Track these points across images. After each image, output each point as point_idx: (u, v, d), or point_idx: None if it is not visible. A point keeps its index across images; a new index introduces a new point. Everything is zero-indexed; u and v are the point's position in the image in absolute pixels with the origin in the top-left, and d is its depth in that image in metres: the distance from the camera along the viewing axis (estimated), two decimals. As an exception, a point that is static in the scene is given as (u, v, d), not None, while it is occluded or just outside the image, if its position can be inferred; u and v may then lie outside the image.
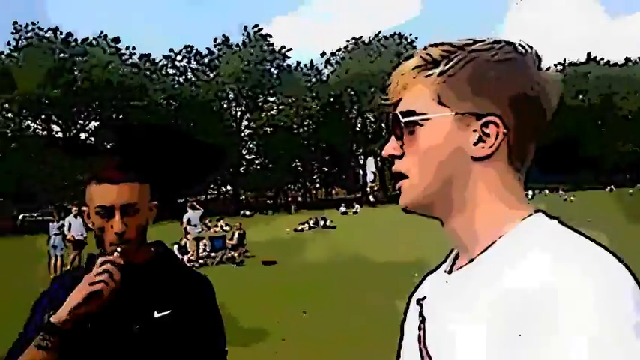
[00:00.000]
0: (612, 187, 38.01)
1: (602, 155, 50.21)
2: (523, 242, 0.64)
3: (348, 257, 12.39)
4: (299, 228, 22.53)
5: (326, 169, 53.61)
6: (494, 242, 0.66)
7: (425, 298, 0.77)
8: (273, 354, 5.37)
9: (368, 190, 56.29)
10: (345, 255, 12.92)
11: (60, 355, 1.32)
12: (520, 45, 0.71)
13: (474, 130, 0.68)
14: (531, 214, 0.68)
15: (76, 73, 40.45)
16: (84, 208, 1.44)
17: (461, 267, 0.71)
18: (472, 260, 0.68)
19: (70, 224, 12.32)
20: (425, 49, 0.73)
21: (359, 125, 54.40)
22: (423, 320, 0.74)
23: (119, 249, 1.33)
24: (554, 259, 0.59)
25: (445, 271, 0.76)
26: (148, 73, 45.27)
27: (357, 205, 36.46)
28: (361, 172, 56.43)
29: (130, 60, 45.28)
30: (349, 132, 52.43)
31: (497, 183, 0.69)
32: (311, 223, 23.11)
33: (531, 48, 0.71)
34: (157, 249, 1.51)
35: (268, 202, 52.12)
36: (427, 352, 0.70)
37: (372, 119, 53.73)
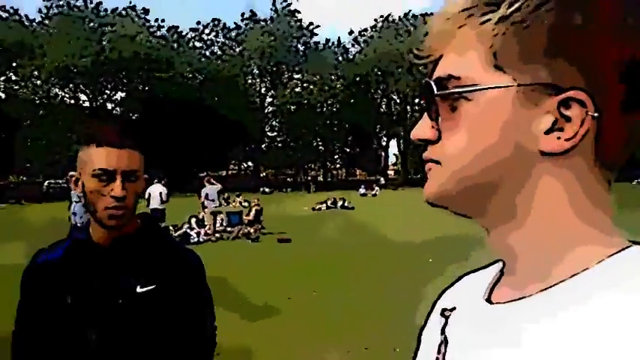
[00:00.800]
0: (639, 180, 36.89)
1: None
2: (612, 283, 0.42)
3: (364, 239, 12.35)
4: (317, 207, 22.55)
5: (347, 150, 53.37)
6: (568, 280, 0.45)
7: (454, 309, 0.58)
8: (282, 330, 5.39)
9: (389, 172, 56.05)
10: (361, 237, 12.88)
11: (44, 328, 1.33)
12: None
13: (548, 112, 0.45)
14: (629, 247, 0.46)
15: (104, 43, 40.82)
16: (72, 173, 1.40)
17: (514, 299, 0.49)
18: (531, 295, 0.47)
19: None
20: None
21: (384, 106, 53.86)
22: (445, 343, 0.56)
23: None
24: None
25: (484, 299, 0.54)
26: (175, 45, 45.44)
27: (376, 187, 36.27)
28: (383, 154, 56.09)
29: (158, 32, 45.48)
30: (373, 113, 51.97)
31: (574, 190, 0.47)
32: (329, 203, 23.09)
33: None
34: (144, 221, 1.47)
35: (288, 180, 52.32)
36: None
37: (398, 100, 53.09)
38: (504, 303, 0.50)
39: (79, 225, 12.31)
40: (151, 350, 1.29)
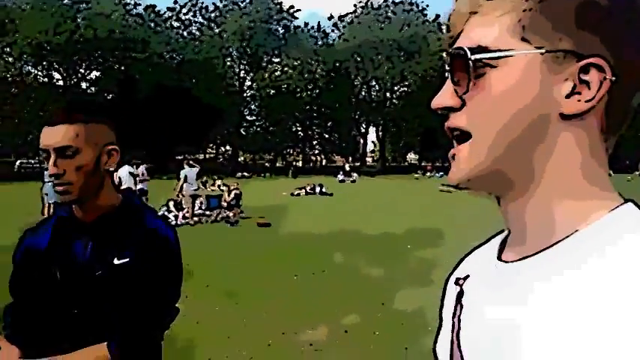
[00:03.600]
0: (611, 172, 37.88)
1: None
2: (617, 233, 0.47)
3: (342, 225, 12.43)
4: (296, 193, 22.55)
5: (327, 136, 53.33)
6: (574, 232, 0.50)
7: (467, 277, 0.61)
8: (262, 314, 5.43)
9: (367, 159, 56.29)
10: (339, 222, 12.97)
11: (36, 302, 1.41)
12: None
13: (567, 78, 0.50)
14: (623, 203, 0.51)
15: (79, 20, 39.73)
16: None
17: (523, 258, 0.53)
18: (546, 249, 0.51)
19: None
20: None
21: (363, 93, 53.84)
22: (460, 307, 0.60)
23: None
24: None
25: (497, 258, 0.58)
26: (151, 25, 44.48)
27: (354, 174, 36.43)
28: (362, 140, 56.23)
29: (135, 10, 44.43)
30: (353, 99, 51.96)
31: (584, 154, 0.51)
32: (308, 188, 23.11)
33: None
34: (125, 196, 1.51)
35: (267, 164, 52.12)
36: (459, 347, 0.58)
37: (377, 88, 53.15)
38: (514, 261, 0.54)
39: (50, 204, 12.15)
40: (120, 314, 1.36)
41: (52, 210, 12.05)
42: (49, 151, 1.35)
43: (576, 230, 0.50)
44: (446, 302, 0.66)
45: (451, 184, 0.56)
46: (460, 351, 0.57)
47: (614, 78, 0.49)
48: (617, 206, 0.50)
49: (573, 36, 0.49)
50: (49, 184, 12.31)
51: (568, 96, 0.50)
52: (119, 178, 12.32)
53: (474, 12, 0.54)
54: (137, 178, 12.94)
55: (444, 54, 0.56)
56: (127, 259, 1.37)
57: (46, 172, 10.18)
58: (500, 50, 0.51)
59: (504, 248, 0.58)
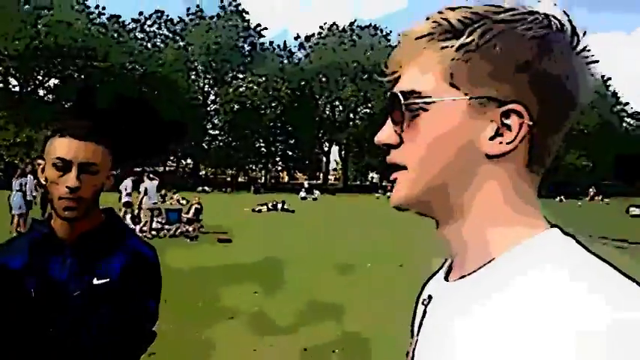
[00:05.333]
0: (562, 197, 39.42)
1: (557, 166, 52.10)
2: (537, 256, 0.53)
3: (304, 242, 12.45)
4: (257, 209, 22.43)
5: (290, 153, 53.40)
6: (504, 253, 0.55)
7: (430, 298, 0.68)
8: (222, 331, 5.37)
9: (330, 177, 56.56)
10: (301, 239, 12.98)
11: (9, 322, 1.35)
12: (556, 19, 0.57)
13: (491, 121, 0.55)
14: (547, 229, 0.57)
15: (39, 27, 38.66)
16: (39, 161, 1.41)
17: (463, 276, 0.60)
18: (477, 270, 0.57)
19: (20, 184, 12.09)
20: (440, 12, 0.59)
21: (327, 112, 54.35)
22: (420, 326, 0.66)
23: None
24: (572, 279, 0.48)
25: (444, 279, 0.66)
26: (115, 35, 43.74)
27: (316, 192, 36.54)
28: (324, 159, 56.59)
29: (98, 20, 43.62)
30: (316, 118, 52.35)
31: (509, 187, 0.57)
32: (270, 205, 23.03)
33: (570, 23, 0.58)
34: (107, 215, 1.51)
35: (228, 180, 51.62)
36: (413, 352, 0.65)
37: (341, 108, 53.77)
38: (453, 281, 0.61)
39: (15, 215, 11.70)
40: (98, 336, 1.33)
41: (17, 221, 11.61)
42: (70, 164, 1.33)
43: (492, 259, 0.56)
44: (416, 322, 0.70)
45: (392, 205, 0.63)
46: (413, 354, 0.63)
47: (531, 123, 0.54)
48: (541, 231, 0.56)
49: (496, 84, 0.55)
50: (18, 193, 11.98)
51: (492, 138, 0.55)
52: (145, 189, 12.94)
53: (411, 58, 0.60)
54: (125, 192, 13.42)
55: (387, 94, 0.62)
56: (107, 280, 1.35)
57: (15, 182, 9.80)
58: (430, 97, 0.57)
59: (451, 269, 0.65)
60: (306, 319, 5.88)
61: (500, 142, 0.55)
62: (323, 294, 7.10)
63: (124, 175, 13.55)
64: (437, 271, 0.74)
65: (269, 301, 6.67)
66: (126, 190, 13.35)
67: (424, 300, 0.69)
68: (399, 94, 0.59)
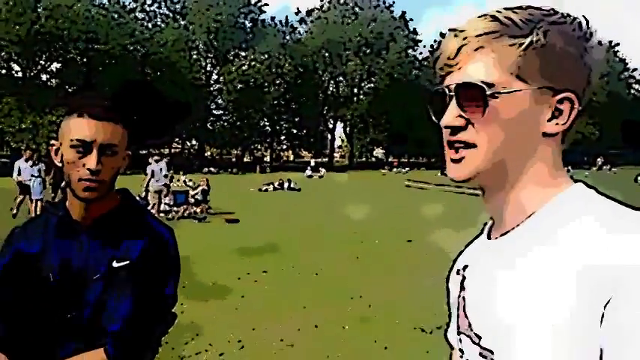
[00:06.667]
0: (569, 167, 39.19)
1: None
2: (571, 209, 0.66)
3: (310, 220, 12.50)
4: (263, 188, 22.46)
5: (294, 131, 53.21)
6: (540, 210, 0.69)
7: (466, 267, 0.79)
8: (233, 310, 5.44)
9: (335, 155, 56.43)
10: (308, 218, 13.03)
11: (28, 307, 1.35)
12: (582, 21, 0.70)
13: (549, 106, 0.68)
14: (572, 185, 0.70)
15: (40, 10, 38.34)
16: (53, 142, 1.38)
17: (505, 233, 0.72)
18: (518, 225, 0.70)
19: (19, 168, 12.41)
20: (498, 12, 0.70)
21: (331, 88, 53.91)
22: (463, 289, 0.77)
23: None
24: (608, 230, 0.60)
25: (487, 239, 0.77)
26: (115, 16, 43.33)
27: (322, 170, 36.53)
28: (329, 136, 56.38)
29: (98, 1, 43.18)
30: (320, 95, 51.97)
31: (553, 158, 0.71)
32: (276, 184, 23.06)
33: (584, 18, 0.70)
34: (123, 197, 1.48)
35: (234, 160, 51.63)
36: (465, 315, 0.74)
37: (345, 83, 53.31)
38: (497, 238, 0.74)
39: (36, 200, 11.89)
40: (118, 318, 1.32)
41: (37, 207, 11.79)
42: (90, 145, 1.30)
43: (531, 214, 0.69)
44: (451, 293, 0.81)
45: (456, 179, 0.72)
46: (467, 317, 0.74)
47: (580, 108, 0.68)
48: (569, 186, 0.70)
49: (554, 76, 0.67)
50: (37, 179, 12.18)
51: (549, 120, 0.69)
52: (152, 171, 12.98)
53: (476, 51, 0.69)
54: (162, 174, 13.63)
55: (445, 82, 0.72)
56: (127, 262, 1.33)
57: (32, 168, 9.92)
58: (504, 87, 0.67)
59: (491, 232, 0.77)
60: (316, 295, 5.94)
61: (557, 124, 0.69)
62: (331, 271, 7.16)
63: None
64: (469, 244, 0.84)
65: (278, 279, 6.74)
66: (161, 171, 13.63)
67: (458, 270, 0.80)
68: (477, 84, 0.68)
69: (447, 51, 0.72)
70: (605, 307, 0.55)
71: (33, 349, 1.34)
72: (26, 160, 12.48)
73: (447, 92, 0.71)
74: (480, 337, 0.70)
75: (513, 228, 0.71)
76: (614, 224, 0.60)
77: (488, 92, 0.67)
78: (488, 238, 0.77)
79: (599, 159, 44.52)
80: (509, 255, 0.69)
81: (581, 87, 0.69)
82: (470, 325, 0.73)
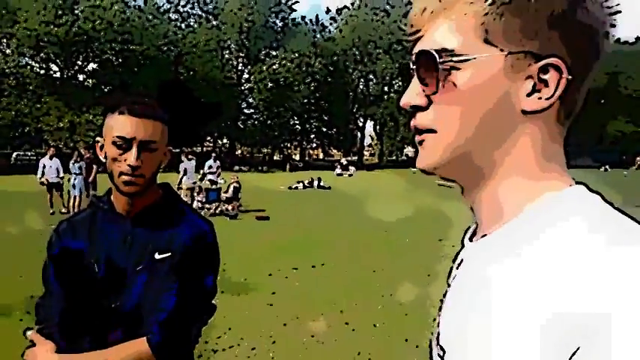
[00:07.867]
0: (607, 167, 38.06)
1: (601, 134, 50.09)
2: (565, 208, 0.52)
3: (341, 218, 12.51)
4: (294, 186, 22.58)
5: (324, 130, 53.25)
6: (531, 206, 0.54)
7: (462, 261, 0.66)
8: (265, 306, 5.49)
9: (365, 153, 56.22)
10: (338, 216, 13.04)
11: (74, 296, 1.41)
12: None
13: (528, 77, 0.53)
14: (572, 185, 0.55)
15: (77, 12, 39.48)
16: (98, 139, 1.44)
17: (484, 235, 0.59)
18: (490, 233, 0.57)
19: (44, 165, 12.87)
20: None
21: (361, 87, 53.75)
22: (449, 287, 0.67)
23: None
24: (592, 231, 0.48)
25: (469, 240, 0.65)
26: (150, 17, 44.26)
27: (352, 168, 36.45)
28: (359, 134, 56.23)
29: (134, 2, 44.19)
30: (350, 93, 51.87)
31: (540, 144, 0.55)
32: (306, 182, 23.14)
33: None
34: (165, 191, 1.53)
35: (264, 158, 52.06)
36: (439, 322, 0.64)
37: (375, 82, 53.07)
38: (482, 237, 0.59)
39: (76, 196, 12.37)
40: (161, 310, 1.36)
41: (76, 203, 12.26)
42: (130, 141, 1.35)
43: (520, 213, 0.55)
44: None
45: (419, 168, 0.60)
46: (439, 324, 0.62)
47: (570, 77, 0.52)
48: (567, 187, 0.55)
49: (533, 38, 0.52)
50: (79, 176, 12.72)
51: (529, 94, 0.53)
52: (184, 169, 13.37)
53: (437, 14, 0.56)
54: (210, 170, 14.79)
55: (410, 54, 0.59)
56: (168, 254, 1.37)
57: (73, 165, 10.33)
58: (465, 54, 0.53)
59: (476, 231, 0.63)
60: (347, 293, 5.95)
61: (539, 98, 0.53)
62: (362, 268, 7.15)
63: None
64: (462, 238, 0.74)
65: (309, 276, 6.77)
66: (210, 169, 14.71)
67: (452, 267, 0.69)
68: (433, 52, 0.54)
69: (411, 17, 0.59)
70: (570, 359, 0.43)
71: (78, 338, 1.39)
72: (50, 158, 12.97)
73: (411, 65, 0.58)
74: (444, 352, 0.59)
75: (487, 234, 0.58)
76: (610, 256, 0.45)
77: (440, 61, 0.53)
78: (471, 238, 0.64)
79: (638, 158, 43.06)
80: (475, 267, 0.57)
81: (574, 51, 0.52)
82: (438, 335, 0.62)
